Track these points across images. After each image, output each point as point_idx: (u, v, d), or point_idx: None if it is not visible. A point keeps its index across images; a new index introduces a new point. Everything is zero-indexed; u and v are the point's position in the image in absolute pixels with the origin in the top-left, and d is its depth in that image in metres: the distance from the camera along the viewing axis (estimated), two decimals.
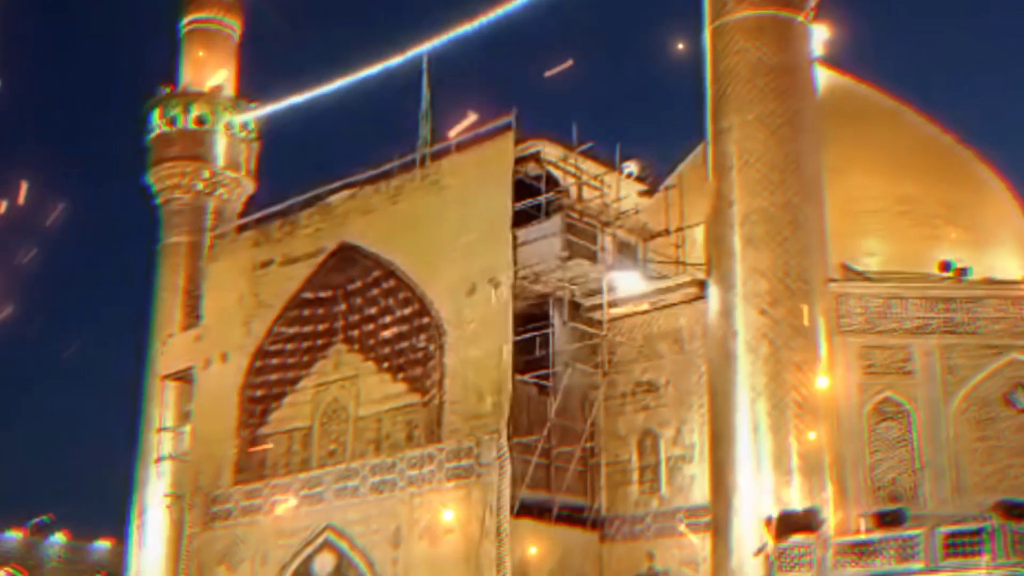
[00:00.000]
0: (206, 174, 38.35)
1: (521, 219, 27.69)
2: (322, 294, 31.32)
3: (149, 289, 38.17)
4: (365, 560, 28.19)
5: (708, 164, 26.17)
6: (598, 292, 27.82)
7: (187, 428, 34.88)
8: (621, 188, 28.92)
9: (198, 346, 34.24)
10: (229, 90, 39.82)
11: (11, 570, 69.45)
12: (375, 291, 30.29)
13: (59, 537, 72.45)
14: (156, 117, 39.00)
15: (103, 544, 73.20)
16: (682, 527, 25.63)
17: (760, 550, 22.29)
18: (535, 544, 26.20)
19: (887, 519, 21.70)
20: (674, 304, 27.57)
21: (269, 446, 31.60)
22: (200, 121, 38.63)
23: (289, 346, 31.88)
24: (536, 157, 28.41)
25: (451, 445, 27.24)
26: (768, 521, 22.45)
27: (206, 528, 31.84)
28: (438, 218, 28.79)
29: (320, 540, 29.30)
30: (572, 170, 28.51)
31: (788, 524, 22.15)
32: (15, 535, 71.44)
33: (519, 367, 26.94)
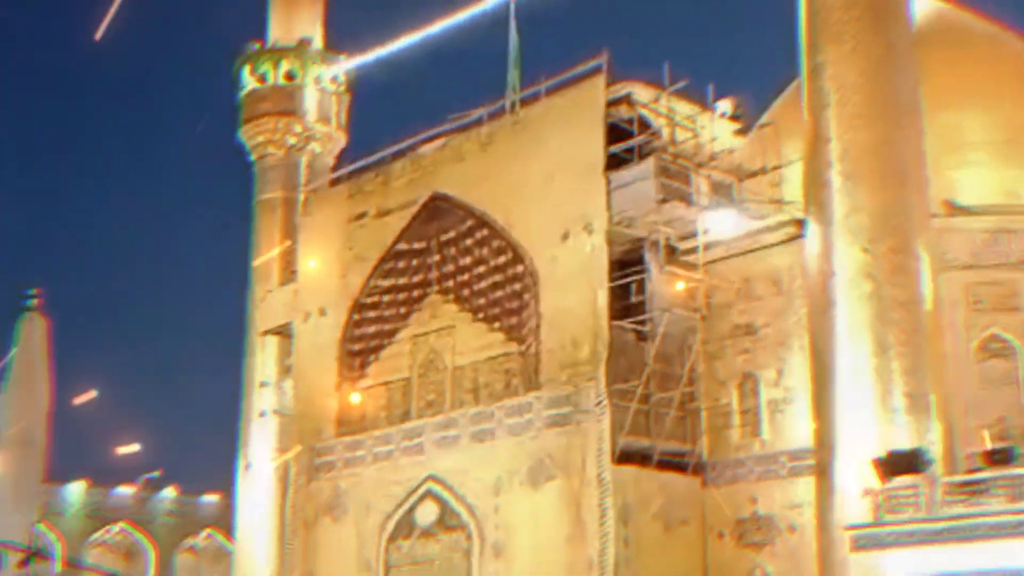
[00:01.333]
0: (298, 129, 38.49)
1: (613, 163, 27.38)
2: (416, 245, 31.36)
3: (247, 245, 38.57)
4: (467, 508, 28.36)
5: (803, 100, 25.50)
6: (694, 235, 27.45)
7: (288, 382, 35.34)
8: (715, 128, 28.44)
9: (296, 301, 34.60)
10: (317, 43, 39.85)
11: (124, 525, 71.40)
12: (468, 241, 30.22)
13: (168, 492, 74.36)
14: (246, 74, 39.20)
15: (211, 499, 74.95)
16: None
17: (867, 492, 21.88)
18: (636, 490, 26.12)
19: (996, 457, 21.10)
20: (772, 244, 27.11)
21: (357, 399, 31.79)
22: (290, 76, 38.73)
23: (385, 298, 32.01)
24: (627, 99, 28.02)
25: (549, 393, 27.20)
26: (874, 462, 22.00)
27: (310, 480, 32.28)
28: (529, 165, 28.59)
29: (422, 490, 29.53)
30: (664, 111, 28.08)
31: (895, 465, 21.65)
32: (127, 491, 73.47)
33: (615, 313, 26.75)
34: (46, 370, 45.77)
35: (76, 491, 71.20)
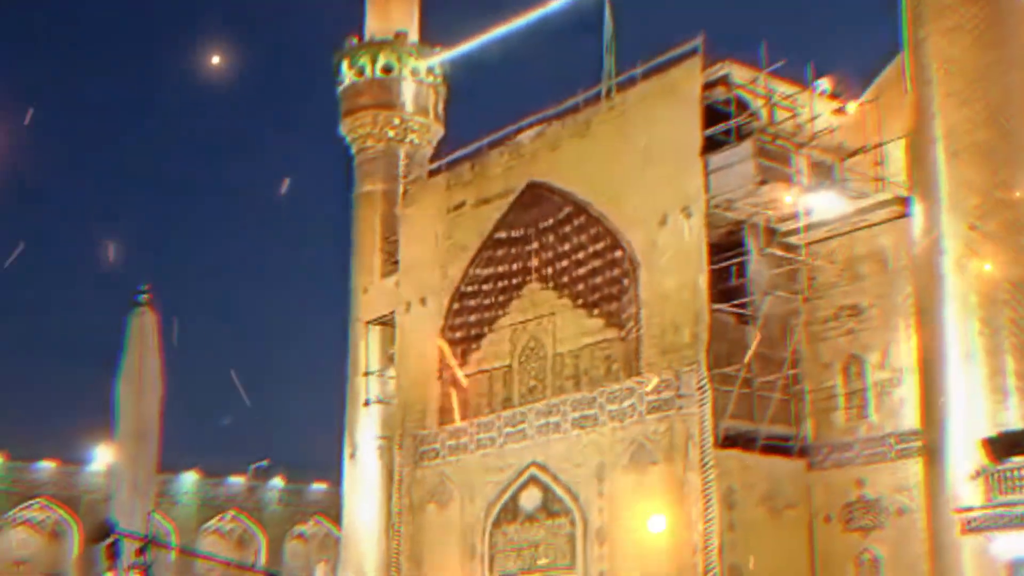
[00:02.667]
0: (396, 121, 38.83)
1: (711, 146, 27.15)
2: (515, 233, 31.48)
3: (348, 237, 39.07)
4: (570, 494, 28.44)
5: (906, 76, 25.00)
6: (794, 216, 27.12)
7: (391, 371, 35.76)
8: (815, 107, 28.03)
9: (397, 291, 35.01)
10: (413, 36, 40.15)
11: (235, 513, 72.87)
12: (567, 227, 30.24)
13: (278, 481, 75.70)
14: (345, 68, 39.65)
15: (319, 486, 76.16)
16: None
17: (978, 473, 21.47)
18: (740, 475, 25.95)
19: None
20: (876, 224, 26.69)
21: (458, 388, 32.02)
22: (387, 69, 39.06)
23: (485, 287, 32.20)
24: (724, 81, 27.77)
25: (650, 378, 27.11)
26: (985, 443, 21.57)
27: (415, 468, 32.64)
28: (626, 150, 28.50)
29: (525, 476, 29.67)
30: (762, 92, 27.77)
31: (1006, 445, 21.24)
32: (238, 480, 74.98)
33: (716, 297, 26.55)
34: (158, 363, 46.89)
35: (189, 481, 72.92)
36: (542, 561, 28.83)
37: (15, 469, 69.10)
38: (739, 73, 27.87)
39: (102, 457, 66.19)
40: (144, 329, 49.21)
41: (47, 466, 70.13)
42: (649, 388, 26.81)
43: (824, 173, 27.95)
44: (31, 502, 69.56)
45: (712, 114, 27.33)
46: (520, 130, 31.75)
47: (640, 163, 28.03)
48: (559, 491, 28.74)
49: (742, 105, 27.71)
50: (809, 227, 27.15)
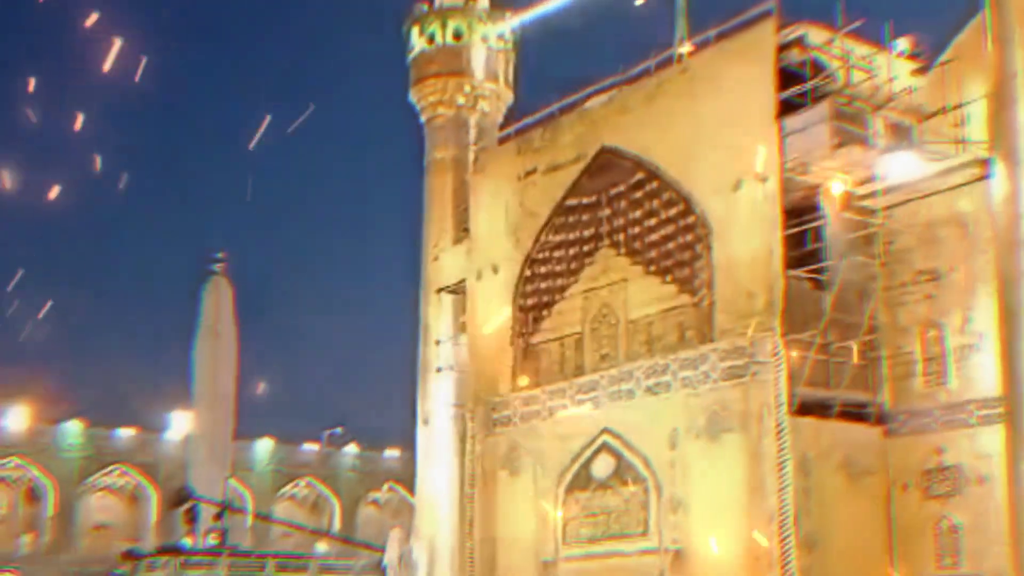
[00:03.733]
0: (466, 88, 38.71)
1: (786, 109, 26.71)
2: (586, 200, 31.29)
3: (419, 205, 39.12)
4: (643, 461, 28.34)
5: (987, 35, 24.34)
6: (871, 179, 26.63)
7: (463, 338, 35.83)
8: (892, 68, 27.45)
9: (468, 258, 35.03)
10: (484, 2, 39.94)
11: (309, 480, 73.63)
12: (638, 193, 29.99)
13: (351, 448, 76.52)
14: (415, 36, 39.57)
15: (392, 453, 76.86)
16: None
17: None
18: (816, 442, 25.67)
19: None
20: (955, 186, 26.11)
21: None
22: (457, 36, 38.91)
23: (556, 254, 32.09)
24: (799, 42, 27.29)
25: (724, 345, 26.87)
26: None
27: (488, 435, 32.72)
28: (698, 114, 28.16)
29: (598, 443, 29.60)
30: (838, 53, 27.24)
31: None
32: (312, 447, 75.93)
33: (791, 262, 26.20)
34: (233, 332, 47.48)
35: (264, 448, 73.96)
36: (615, 528, 28.80)
37: (95, 436, 70.59)
38: (815, 34, 27.37)
39: (180, 424, 67.42)
40: (219, 297, 50.01)
41: (126, 433, 71.55)
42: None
43: (902, 135, 27.41)
44: (111, 468, 71.08)
45: (787, 77, 26.88)
46: (591, 95, 31.50)
47: (713, 127, 27.67)
48: (632, 458, 28.64)
49: (818, 67, 27.23)
50: (887, 190, 26.67)
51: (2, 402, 68.68)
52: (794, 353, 25.58)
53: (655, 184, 29.33)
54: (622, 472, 28.89)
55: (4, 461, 68.40)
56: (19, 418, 69.15)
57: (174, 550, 41.65)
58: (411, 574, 34.85)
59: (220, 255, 47.24)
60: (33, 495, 69.69)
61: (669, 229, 29.18)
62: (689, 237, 28.50)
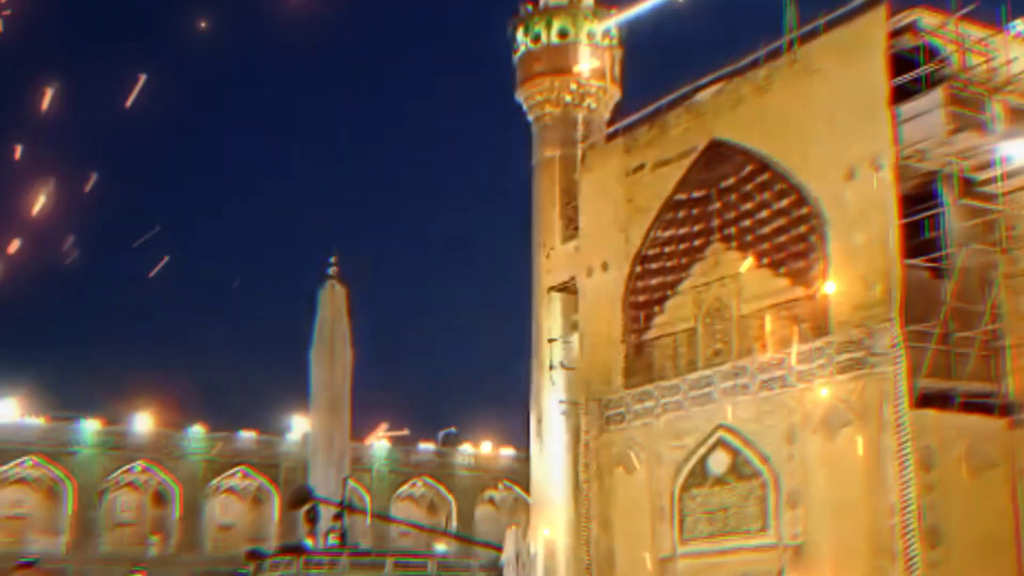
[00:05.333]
0: (573, 86, 38.75)
1: (900, 96, 26.17)
2: (696, 194, 31.06)
3: (529, 205, 39.25)
4: (760, 457, 28.03)
5: None
6: (990, 164, 25.94)
7: (575, 337, 35.85)
8: (1010, 50, 26.71)
9: (578, 256, 35.01)
10: (589, 0, 39.92)
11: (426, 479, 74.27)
12: (749, 186, 29.68)
13: (466, 447, 77.05)
14: (521, 35, 39.75)
15: (507, 452, 77.18)
16: None
17: None
18: (938, 434, 25.10)
19: None
20: None
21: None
22: (562, 34, 38.98)
23: (667, 249, 31.92)
24: (912, 27, 26.71)
25: (841, 337, 26.43)
26: None
27: (601, 432, 32.67)
28: (810, 103, 27.74)
29: (713, 439, 29.36)
30: (953, 36, 26.59)
31: None
32: (428, 447, 76.67)
33: (908, 251, 25.64)
34: (348, 334, 48.12)
35: (381, 448, 74.88)
36: (733, 524, 28.54)
37: (217, 440, 72.17)
38: (927, 19, 26.76)
39: (299, 426, 68.61)
40: (334, 301, 50.73)
41: (248, 436, 73.05)
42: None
43: (1022, 119, 26.64)
44: (234, 470, 72.61)
45: (900, 63, 26.34)
46: (699, 89, 31.24)
47: (825, 117, 27.25)
48: (748, 454, 28.35)
49: (932, 52, 26.61)
50: (1007, 175, 25.94)
51: (129, 409, 70.66)
52: (913, 344, 25.03)
53: (766, 176, 28.99)
54: (739, 468, 28.61)
55: (132, 465, 70.31)
56: (145, 424, 71.05)
57: (296, 550, 42.30)
58: (529, 572, 34.93)
59: (333, 259, 47.94)
60: (160, 498, 71.55)
61: (782, 221, 28.84)
62: (802, 228, 28.12)
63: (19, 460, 67.61)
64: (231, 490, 74.02)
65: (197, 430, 71.97)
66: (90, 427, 69.35)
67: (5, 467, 67.32)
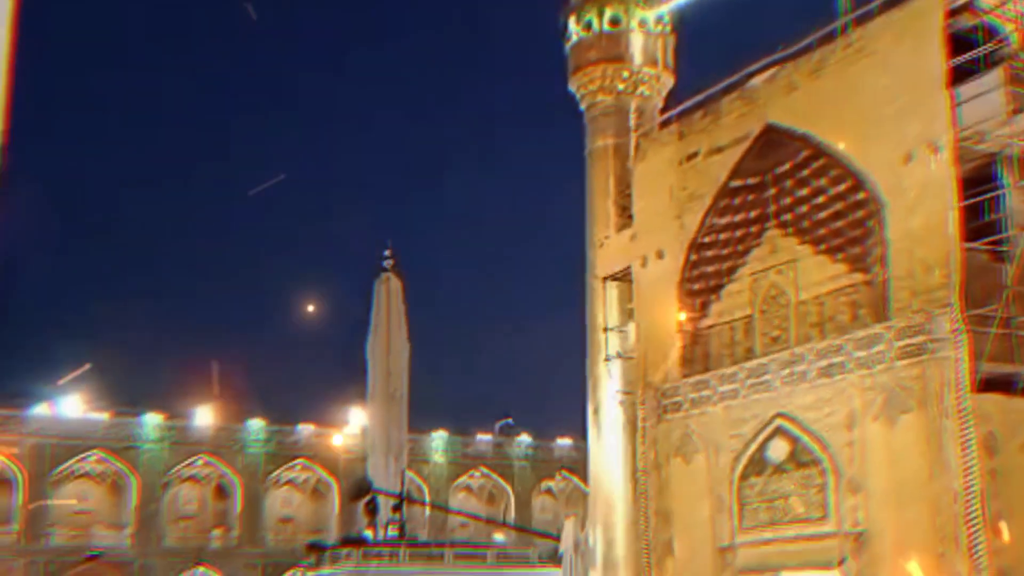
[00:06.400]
0: (625, 74, 38.52)
1: (958, 77, 25.80)
2: (750, 180, 30.84)
3: (582, 193, 39.12)
4: (819, 444, 27.80)
5: None
6: None
7: (630, 326, 35.72)
8: None
9: (633, 245, 34.86)
10: None
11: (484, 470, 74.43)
12: (805, 171, 29.43)
13: (524, 438, 77.13)
14: (572, 24, 39.58)
15: (564, 442, 77.20)
16: None
17: None
18: (1001, 419, 24.75)
19: None
20: None
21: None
22: (614, 22, 38.73)
23: (722, 236, 31.74)
24: (969, 6, 26.29)
25: (900, 322, 26.14)
26: None
27: (659, 422, 32.56)
28: (865, 86, 27.43)
29: (771, 427, 29.16)
30: (1012, 15, 26.16)
31: None
32: (485, 437, 76.84)
33: (968, 234, 25.28)
34: (404, 326, 48.33)
35: (439, 439, 75.14)
36: (793, 512, 28.34)
37: (277, 432, 72.79)
38: None
39: (357, 419, 69.03)
40: (390, 294, 50.97)
41: (307, 429, 73.59)
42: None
43: None
44: (293, 463, 73.20)
45: (957, 43, 25.96)
46: (752, 74, 30.99)
47: (881, 100, 26.93)
48: (808, 441, 28.12)
49: (990, 31, 26.20)
50: None
51: (190, 403, 71.46)
52: (975, 329, 24.70)
53: (823, 161, 28.73)
54: (798, 455, 28.40)
55: (193, 459, 71.10)
56: (206, 418, 71.82)
57: (356, 541, 42.62)
58: (587, 562, 34.90)
59: (388, 251, 48.20)
60: (222, 491, 72.29)
61: (839, 206, 28.57)
62: (860, 213, 27.83)
63: (84, 455, 68.61)
64: (291, 483, 74.63)
65: (257, 423, 72.63)
66: (152, 421, 70.23)
67: (70, 462, 68.33)
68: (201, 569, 69.09)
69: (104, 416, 69.63)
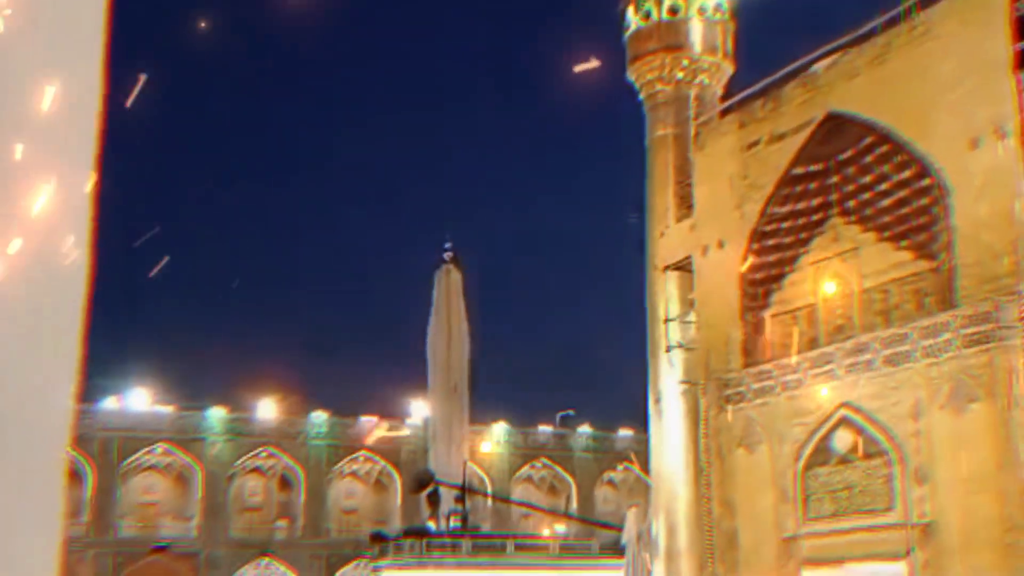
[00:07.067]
0: (685, 63, 38.27)
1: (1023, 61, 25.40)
2: (813, 168, 30.53)
3: (642, 184, 38.96)
4: (885, 434, 27.49)
5: None
6: None
7: (692, 316, 35.52)
8: None
9: (694, 235, 34.66)
10: None
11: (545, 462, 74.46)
12: (868, 158, 29.07)
13: (585, 428, 77.08)
14: (631, 14, 39.38)
15: (626, 433, 77.03)
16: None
17: None
18: None
19: None
20: None
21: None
22: (673, 11, 38.49)
23: (784, 225, 31.44)
24: None
25: (967, 311, 25.76)
26: None
27: (721, 412, 32.37)
28: (930, 72, 27.04)
29: (836, 417, 28.89)
30: None
31: None
32: (546, 429, 76.85)
33: None
34: (464, 319, 48.51)
35: (500, 431, 75.27)
36: (858, 503, 28.06)
37: (339, 425, 73.32)
38: None
39: (419, 411, 69.35)
40: (450, 286, 51.12)
41: (369, 420, 74.06)
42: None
43: None
44: (355, 455, 73.71)
45: (1023, 26, 25.51)
46: (814, 60, 30.67)
47: (946, 85, 26.53)
48: (873, 431, 27.83)
49: None
50: None
51: (254, 396, 72.20)
52: None
53: (887, 147, 28.36)
54: (863, 446, 28.11)
55: (258, 451, 71.84)
56: (269, 410, 72.52)
57: (419, 532, 42.85)
58: (650, 552, 34.82)
59: (448, 243, 48.35)
60: (286, 482, 72.98)
61: (903, 193, 28.20)
62: (925, 200, 27.45)
63: (150, 448, 69.58)
64: (354, 474, 75.16)
65: (320, 415, 73.22)
66: (217, 414, 71.05)
67: (137, 455, 69.36)
68: (266, 560, 69.82)
69: (169, 409, 70.57)
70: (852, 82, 29.32)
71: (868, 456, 27.96)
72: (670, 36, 38.40)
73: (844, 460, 28.56)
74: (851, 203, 29.71)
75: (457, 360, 49.37)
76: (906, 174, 27.92)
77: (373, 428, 69.93)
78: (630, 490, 76.00)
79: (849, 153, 29.42)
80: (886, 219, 28.68)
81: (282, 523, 72.31)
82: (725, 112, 34.83)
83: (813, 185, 30.59)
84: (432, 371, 49.79)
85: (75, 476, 67.25)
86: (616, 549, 38.66)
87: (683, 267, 36.06)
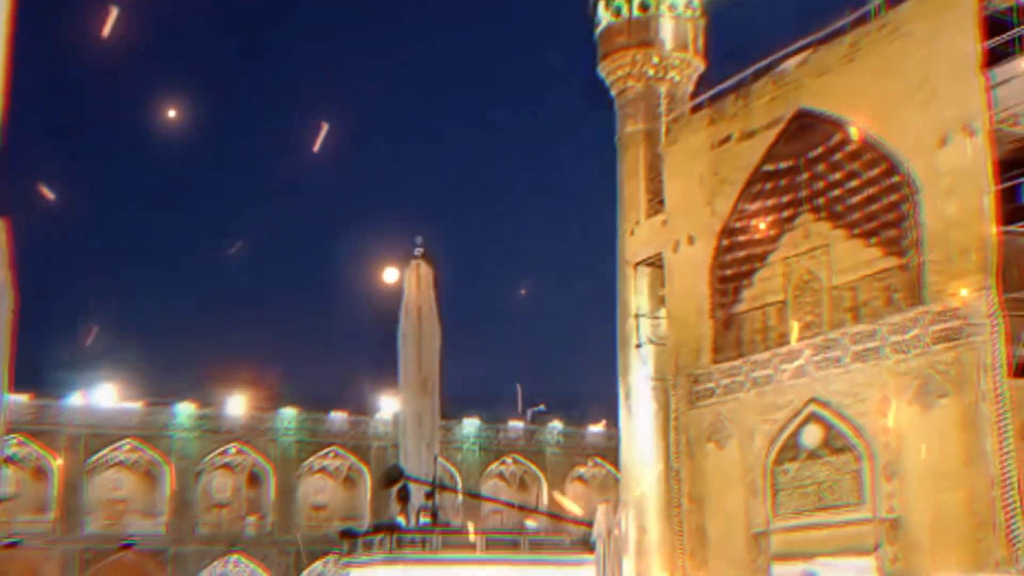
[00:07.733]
0: (655, 59, 38.29)
1: (993, 59, 25.54)
2: (783, 165, 30.65)
3: (612, 179, 38.97)
4: (854, 430, 27.66)
5: None
6: None
7: (662, 312, 35.59)
8: None
9: (664, 231, 34.72)
10: None
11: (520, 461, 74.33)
12: (838, 155, 29.22)
13: (556, 424, 77.12)
14: (602, 10, 39.38)
15: (596, 429, 77.13)
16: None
17: None
18: None
19: None
20: None
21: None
22: (644, 7, 38.49)
23: (754, 221, 31.56)
24: None
25: (935, 307, 25.94)
26: None
27: (691, 408, 32.47)
28: (899, 70, 27.18)
29: (805, 413, 29.03)
30: None
31: None
32: (517, 425, 76.84)
33: (1004, 218, 25.08)
34: (435, 314, 48.26)
35: (470, 426, 75.20)
36: (827, 498, 28.20)
37: (309, 420, 73.03)
38: None
39: (388, 406, 69.15)
40: (421, 280, 50.85)
41: (339, 416, 73.80)
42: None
43: None
44: (326, 451, 73.43)
45: (992, 25, 25.69)
46: (785, 58, 30.77)
47: (915, 83, 26.68)
48: (842, 427, 27.99)
49: None
50: None
51: (222, 392, 71.77)
52: (1011, 313, 24.49)
53: (856, 144, 28.48)
54: (832, 441, 28.28)
55: (226, 447, 71.43)
56: (238, 406, 72.12)
57: (389, 528, 42.66)
58: (620, 548, 34.86)
59: (419, 238, 48.17)
60: (255, 479, 72.61)
61: (872, 190, 28.37)
62: (894, 197, 27.62)
63: (117, 444, 69.01)
64: (324, 470, 74.89)
65: (289, 411, 72.90)
66: (185, 410, 70.58)
67: (104, 451, 68.76)
68: (235, 556, 69.46)
69: (137, 405, 70.05)
70: (821, 80, 29.45)
71: (837, 451, 28.11)
72: (641, 32, 38.41)
73: (813, 455, 28.71)
74: (821, 200, 29.86)
75: (428, 356, 49.13)
76: (875, 171, 28.09)
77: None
78: (600, 486, 76.15)
79: (819, 150, 29.57)
80: (855, 216, 28.84)
81: (251, 519, 71.95)
82: (696, 109, 34.92)
83: (783, 182, 30.72)
84: (403, 366, 49.58)
85: (41, 472, 66.69)
86: (586, 545, 38.67)
87: (654, 263, 36.12)
